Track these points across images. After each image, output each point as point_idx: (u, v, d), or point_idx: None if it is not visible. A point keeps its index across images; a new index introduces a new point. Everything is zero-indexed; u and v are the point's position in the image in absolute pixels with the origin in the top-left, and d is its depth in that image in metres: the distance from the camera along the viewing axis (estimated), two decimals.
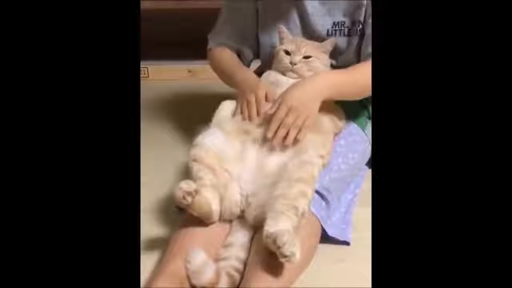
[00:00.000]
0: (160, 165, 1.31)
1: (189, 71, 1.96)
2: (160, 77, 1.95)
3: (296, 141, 1.00)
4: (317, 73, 1.08)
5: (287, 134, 1.00)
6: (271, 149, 1.00)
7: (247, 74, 1.16)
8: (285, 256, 0.80)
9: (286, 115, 1.00)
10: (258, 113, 1.04)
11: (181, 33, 1.94)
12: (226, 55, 1.24)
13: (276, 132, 1.00)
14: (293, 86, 1.05)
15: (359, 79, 1.08)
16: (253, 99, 1.05)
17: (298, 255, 0.81)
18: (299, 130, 1.01)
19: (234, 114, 1.09)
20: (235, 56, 1.24)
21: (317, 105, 1.04)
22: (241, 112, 1.06)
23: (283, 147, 1.00)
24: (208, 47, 1.28)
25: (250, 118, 1.04)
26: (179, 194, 0.87)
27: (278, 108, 1.01)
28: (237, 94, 1.12)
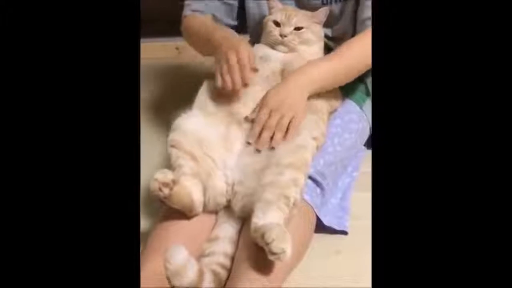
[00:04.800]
0: (144, 149, 1.22)
1: (177, 48, 1.88)
2: (146, 55, 1.84)
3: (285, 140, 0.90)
4: (300, 68, 0.97)
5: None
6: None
7: (226, 33, 1.03)
8: (274, 254, 0.73)
9: (269, 117, 0.91)
10: (243, 79, 0.92)
11: (167, 8, 1.83)
12: (202, 20, 1.11)
13: (259, 136, 0.90)
14: (274, 87, 0.95)
15: (348, 64, 0.99)
16: (234, 60, 0.92)
17: (288, 252, 0.73)
18: (287, 131, 0.90)
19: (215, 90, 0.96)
20: (212, 21, 1.12)
21: (303, 102, 0.94)
22: (221, 78, 0.93)
23: (270, 149, 0.89)
24: (184, 14, 1.15)
25: (233, 84, 0.92)
26: (154, 185, 0.79)
27: (258, 111, 0.92)
28: (215, 56, 0.98)
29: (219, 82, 0.94)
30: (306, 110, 0.94)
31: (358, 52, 0.97)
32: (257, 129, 0.91)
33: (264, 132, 0.90)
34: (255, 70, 0.95)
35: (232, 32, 1.06)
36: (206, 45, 1.05)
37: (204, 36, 1.06)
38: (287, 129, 0.91)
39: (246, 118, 0.93)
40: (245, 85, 0.93)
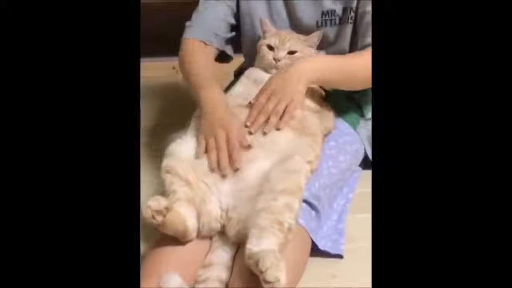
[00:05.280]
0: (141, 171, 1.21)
1: (174, 68, 1.87)
2: (142, 74, 1.84)
3: (279, 128, 0.92)
4: (304, 57, 1.00)
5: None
6: (253, 156, 0.91)
7: (214, 96, 0.97)
8: (269, 282, 0.72)
9: (267, 101, 0.93)
10: (231, 162, 0.87)
11: (164, 27, 1.84)
12: (197, 58, 1.08)
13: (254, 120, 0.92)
14: (277, 72, 0.98)
15: (353, 67, 0.99)
16: (223, 139, 0.88)
17: (283, 281, 0.72)
18: (282, 116, 0.92)
19: (197, 156, 0.91)
20: (209, 60, 1.11)
21: (301, 88, 0.96)
22: (206, 153, 0.89)
23: (263, 134, 0.91)
24: (183, 36, 1.15)
25: (219, 167, 0.87)
26: (147, 213, 0.78)
27: (258, 95, 0.94)
28: (201, 122, 0.94)
29: (200, 154, 0.89)
30: (303, 99, 0.96)
31: (366, 61, 0.95)
32: (255, 112, 0.92)
33: (260, 116, 0.92)
34: (247, 148, 0.89)
35: (219, 95, 0.98)
36: (191, 89, 1.04)
37: (192, 81, 1.04)
38: (282, 114, 0.92)
39: (249, 103, 0.95)
40: (235, 169, 0.87)
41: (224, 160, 0.87)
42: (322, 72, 0.98)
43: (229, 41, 1.16)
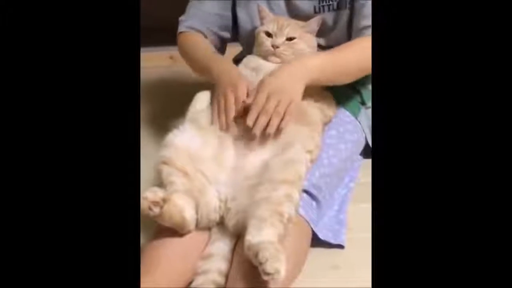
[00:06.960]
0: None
1: (171, 58, 1.85)
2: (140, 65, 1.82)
3: (279, 130, 0.89)
4: (301, 55, 0.97)
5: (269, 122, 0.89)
6: (252, 146, 0.89)
7: (226, 65, 1.01)
8: (268, 274, 0.70)
9: (267, 101, 0.90)
10: (236, 115, 0.91)
11: (161, 18, 1.81)
12: (197, 41, 1.10)
13: (256, 120, 0.89)
14: (273, 70, 0.95)
15: (349, 60, 0.98)
16: (232, 99, 0.92)
17: (283, 272, 0.71)
18: (282, 117, 0.89)
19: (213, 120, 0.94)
20: (209, 44, 1.11)
21: (301, 88, 0.93)
22: (218, 114, 0.93)
23: (265, 137, 0.89)
24: (179, 30, 1.15)
25: (226, 125, 0.91)
26: (144, 204, 0.76)
27: (256, 95, 0.91)
28: (215, 89, 0.98)
29: (215, 118, 0.93)
30: (300, 99, 0.93)
31: (358, 51, 0.95)
32: (255, 112, 0.89)
33: (261, 117, 0.89)
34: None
35: (230, 64, 1.03)
36: (203, 73, 1.05)
37: (201, 63, 1.05)
38: (284, 115, 0.90)
39: (243, 102, 0.92)
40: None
41: (230, 119, 0.91)
42: (321, 72, 0.95)
43: (222, 38, 1.16)
